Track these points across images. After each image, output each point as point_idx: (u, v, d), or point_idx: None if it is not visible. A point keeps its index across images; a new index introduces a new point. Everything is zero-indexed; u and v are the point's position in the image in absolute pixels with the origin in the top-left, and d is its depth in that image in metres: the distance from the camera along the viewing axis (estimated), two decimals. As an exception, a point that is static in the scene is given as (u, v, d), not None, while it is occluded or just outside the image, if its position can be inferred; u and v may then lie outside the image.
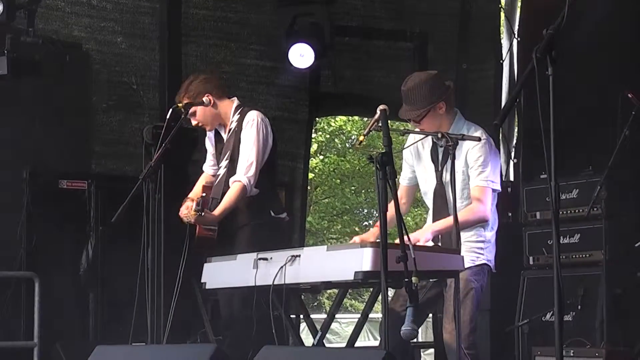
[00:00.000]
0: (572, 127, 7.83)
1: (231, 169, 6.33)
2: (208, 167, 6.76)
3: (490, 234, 5.65)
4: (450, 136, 5.32)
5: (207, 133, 6.67)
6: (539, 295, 7.74)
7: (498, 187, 5.62)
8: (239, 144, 6.34)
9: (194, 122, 6.51)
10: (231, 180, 6.26)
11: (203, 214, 5.95)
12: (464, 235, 5.47)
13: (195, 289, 7.57)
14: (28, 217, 7.73)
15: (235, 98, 6.60)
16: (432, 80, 5.68)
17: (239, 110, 6.46)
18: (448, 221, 5.40)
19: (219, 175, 6.45)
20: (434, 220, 5.68)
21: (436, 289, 5.57)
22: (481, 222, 5.58)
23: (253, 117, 6.34)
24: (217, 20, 9.52)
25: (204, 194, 6.10)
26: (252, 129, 6.30)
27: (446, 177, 5.60)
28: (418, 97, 5.61)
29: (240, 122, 6.39)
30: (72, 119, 8.38)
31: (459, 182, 5.54)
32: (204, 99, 6.40)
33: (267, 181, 6.36)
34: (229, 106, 6.50)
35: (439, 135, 5.37)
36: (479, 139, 5.49)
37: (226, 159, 6.39)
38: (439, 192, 5.69)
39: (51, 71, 8.00)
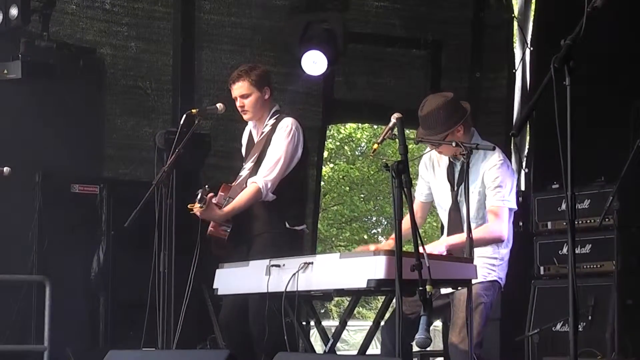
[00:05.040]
0: (585, 137, 7.82)
1: (254, 171, 6.22)
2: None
3: (505, 251, 5.63)
4: (464, 145, 5.32)
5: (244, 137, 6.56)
6: (549, 305, 7.72)
7: (514, 206, 5.60)
8: (268, 147, 6.23)
9: (239, 104, 6.27)
10: (249, 180, 6.16)
11: (206, 207, 5.91)
12: (480, 250, 5.45)
13: (206, 294, 7.58)
14: (40, 220, 7.76)
15: (277, 104, 6.48)
16: (449, 105, 5.64)
17: (275, 115, 6.33)
18: (462, 236, 5.35)
19: (240, 176, 6.30)
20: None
21: (444, 300, 5.56)
22: (496, 242, 5.56)
23: (288, 124, 6.23)
24: (231, 26, 9.50)
25: (216, 193, 6.01)
26: (283, 135, 6.19)
27: (461, 196, 5.59)
28: (435, 123, 5.58)
29: (274, 126, 6.26)
30: (85, 123, 8.39)
31: (474, 202, 5.53)
32: (264, 89, 6.27)
33: (288, 191, 6.22)
34: (269, 108, 6.36)
35: (453, 144, 5.36)
36: (494, 148, 5.50)
37: (252, 161, 6.26)
38: (454, 212, 5.68)
39: (65, 75, 8.01)
